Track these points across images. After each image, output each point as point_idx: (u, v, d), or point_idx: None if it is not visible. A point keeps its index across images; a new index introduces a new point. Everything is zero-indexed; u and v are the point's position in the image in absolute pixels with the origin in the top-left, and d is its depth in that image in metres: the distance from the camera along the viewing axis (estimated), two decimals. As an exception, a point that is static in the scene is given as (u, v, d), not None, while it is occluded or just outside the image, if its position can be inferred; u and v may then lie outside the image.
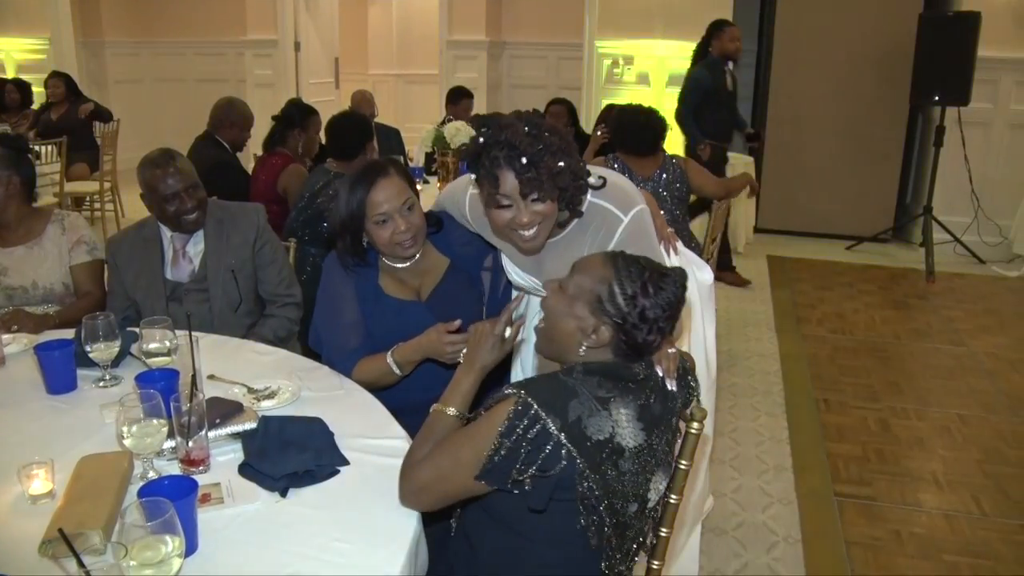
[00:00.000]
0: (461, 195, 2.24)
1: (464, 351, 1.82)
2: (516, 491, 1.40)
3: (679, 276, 1.53)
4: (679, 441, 1.66)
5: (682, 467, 1.69)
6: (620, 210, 2.01)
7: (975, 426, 3.79)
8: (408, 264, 2.22)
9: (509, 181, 1.82)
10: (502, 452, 1.37)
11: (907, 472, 3.38)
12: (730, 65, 5.74)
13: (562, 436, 1.36)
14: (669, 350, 1.68)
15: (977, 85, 6.02)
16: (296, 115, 4.33)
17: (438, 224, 2.29)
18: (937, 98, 6.08)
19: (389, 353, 2.03)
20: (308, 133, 4.28)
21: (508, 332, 1.68)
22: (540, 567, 1.50)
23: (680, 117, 5.69)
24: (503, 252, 2.23)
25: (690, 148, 5.65)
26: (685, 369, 1.64)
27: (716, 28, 5.76)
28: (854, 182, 7.12)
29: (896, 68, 6.61)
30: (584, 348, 1.50)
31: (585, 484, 1.39)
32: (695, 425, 1.67)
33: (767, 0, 7.20)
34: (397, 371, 2.04)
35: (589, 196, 1.99)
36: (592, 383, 1.43)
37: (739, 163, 6.56)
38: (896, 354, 4.71)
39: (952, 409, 3.96)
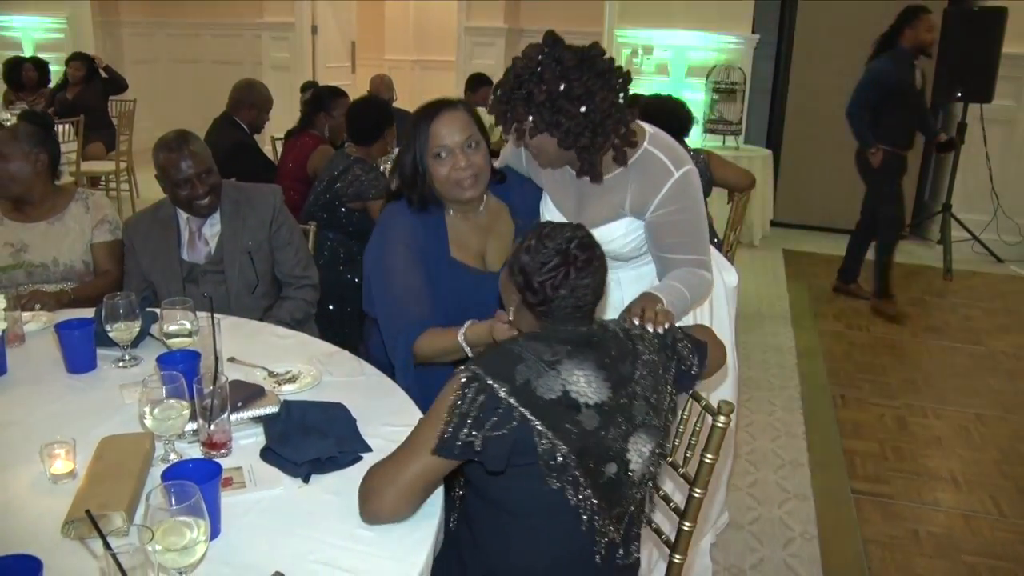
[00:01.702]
0: None
1: None
2: (471, 458, 1.39)
3: (569, 231, 1.52)
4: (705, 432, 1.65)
5: (707, 461, 1.67)
6: (673, 164, 1.99)
7: (993, 426, 3.75)
8: (471, 217, 2.11)
9: (502, 83, 1.94)
10: (455, 421, 1.38)
11: (925, 471, 3.35)
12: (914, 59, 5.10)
13: (512, 399, 1.38)
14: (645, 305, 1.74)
15: (1001, 82, 5.93)
16: (325, 98, 4.32)
17: (502, 177, 2.21)
18: (959, 95, 5.99)
19: (462, 332, 1.88)
20: (334, 116, 4.25)
21: None
22: (531, 541, 1.50)
23: (851, 114, 5.15)
24: (545, 191, 2.19)
25: (860, 151, 5.19)
26: (674, 338, 1.64)
27: (910, 15, 5.05)
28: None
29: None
30: (511, 311, 1.60)
31: (544, 443, 1.39)
32: (721, 419, 1.65)
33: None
34: (469, 352, 1.90)
35: (646, 144, 2.00)
36: (538, 348, 1.45)
37: (757, 156, 6.54)
38: (913, 351, 4.68)
39: (970, 408, 3.92)
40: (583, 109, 1.86)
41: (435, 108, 2.03)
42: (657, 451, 1.57)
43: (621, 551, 1.55)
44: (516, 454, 1.40)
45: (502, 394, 1.38)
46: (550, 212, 2.16)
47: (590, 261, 1.49)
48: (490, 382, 1.39)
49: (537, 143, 1.95)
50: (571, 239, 1.49)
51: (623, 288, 2.18)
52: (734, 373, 2.49)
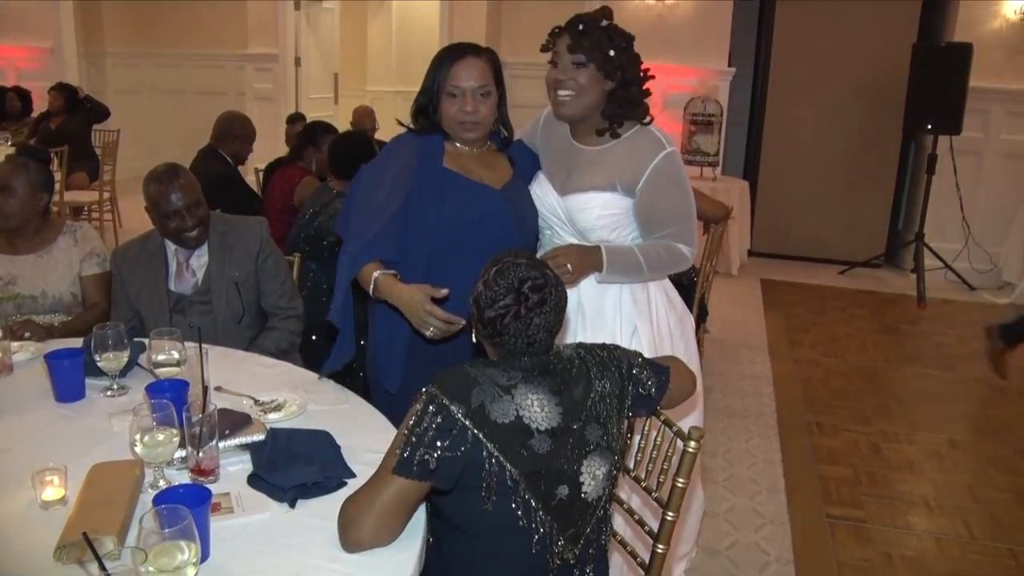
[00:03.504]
0: (540, 113, 2.41)
1: (434, 331, 1.91)
2: (428, 479, 1.44)
3: (523, 270, 1.56)
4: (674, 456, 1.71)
5: (679, 485, 1.73)
6: (665, 141, 2.19)
7: (965, 450, 3.84)
8: (471, 148, 2.23)
9: (562, 39, 2.16)
10: (412, 439, 1.44)
11: (898, 495, 3.42)
12: None
13: (467, 421, 1.45)
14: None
15: (969, 115, 6.12)
16: (316, 133, 4.39)
17: (509, 141, 2.33)
18: (930, 127, 6.17)
19: (379, 270, 2.03)
20: (322, 150, 4.31)
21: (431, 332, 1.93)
22: (490, 561, 1.56)
23: None
24: (541, 163, 2.34)
25: None
26: (630, 363, 1.69)
27: None
28: (847, 208, 7.21)
29: (890, 97, 6.71)
30: (473, 334, 1.63)
31: (492, 465, 1.46)
32: (692, 444, 1.71)
33: (764, 26, 7.30)
34: (371, 291, 2.04)
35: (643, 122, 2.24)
36: (494, 372, 1.52)
37: (734, 187, 6.65)
38: (887, 378, 4.77)
39: (942, 433, 4.01)
40: (634, 68, 2.18)
41: (462, 50, 2.17)
42: (613, 473, 1.63)
43: (576, 572, 1.60)
44: (467, 475, 1.47)
45: (458, 416, 1.45)
46: (538, 182, 2.30)
47: (543, 302, 1.53)
48: (447, 403, 1.45)
49: (589, 79, 2.14)
50: (524, 280, 1.53)
51: (580, 291, 2.28)
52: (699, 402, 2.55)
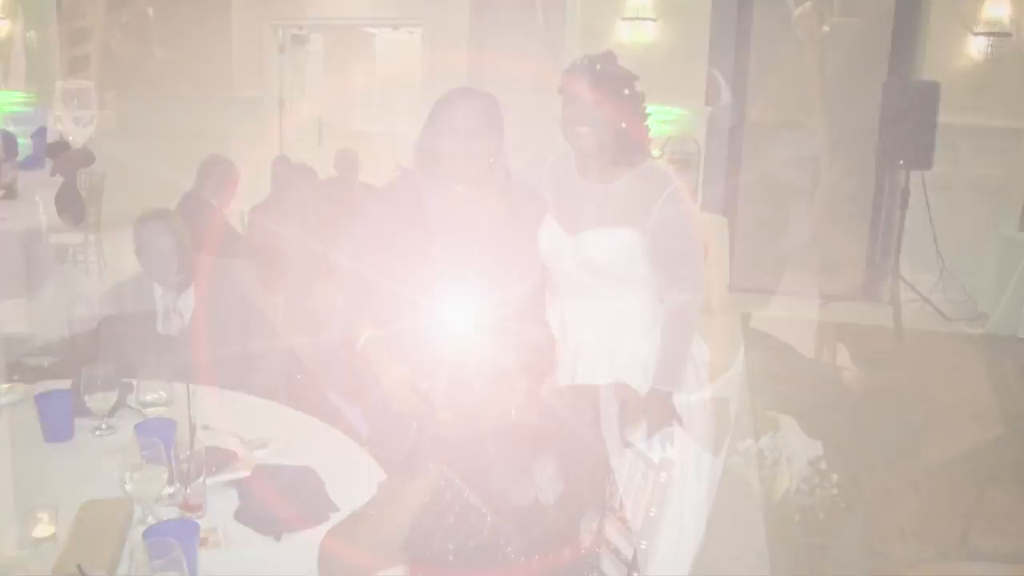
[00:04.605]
0: (544, 160, 2.51)
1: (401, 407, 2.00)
2: (438, 563, 1.45)
3: None
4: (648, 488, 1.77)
5: (651, 515, 1.79)
6: (672, 176, 2.35)
7: (940, 479, 3.88)
8: (463, 189, 2.28)
9: (581, 79, 2.25)
10: (424, 524, 1.43)
11: (875, 524, 3.46)
12: None
13: (483, 507, 1.44)
14: None
15: (939, 150, 6.25)
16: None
17: (506, 183, 2.36)
18: (902, 162, 6.30)
19: (369, 332, 2.14)
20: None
21: None
22: None
23: None
24: (550, 204, 2.41)
25: None
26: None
27: None
28: (824, 243, 7.31)
29: (863, 133, 6.85)
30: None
31: (509, 548, 1.46)
32: (663, 475, 1.77)
33: (739, 67, 7.45)
34: (357, 347, 2.14)
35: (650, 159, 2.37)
36: (510, 452, 1.50)
37: (713, 223, 6.75)
38: (865, 409, 4.82)
39: (918, 462, 4.06)
40: (641, 105, 2.33)
41: (456, 94, 2.26)
42: (603, 520, 1.67)
43: None
44: (479, 549, 1.46)
45: (476, 503, 1.44)
46: (547, 226, 2.37)
47: None
48: (465, 489, 1.44)
49: (608, 116, 2.25)
50: None
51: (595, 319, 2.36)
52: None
